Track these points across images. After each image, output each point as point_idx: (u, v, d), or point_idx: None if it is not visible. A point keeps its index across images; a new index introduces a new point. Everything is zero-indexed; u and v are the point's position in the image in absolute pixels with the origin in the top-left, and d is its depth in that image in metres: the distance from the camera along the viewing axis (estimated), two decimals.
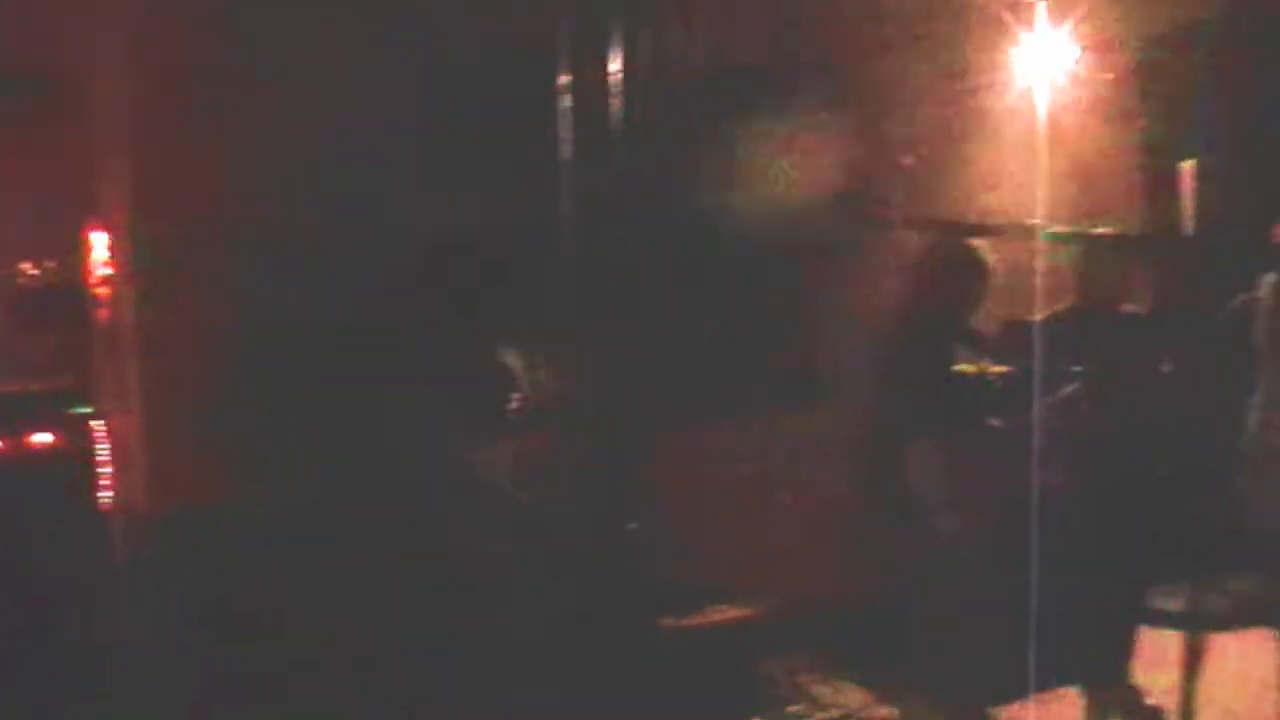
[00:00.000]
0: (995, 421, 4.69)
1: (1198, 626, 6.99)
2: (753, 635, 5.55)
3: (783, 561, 6.31)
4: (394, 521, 4.72)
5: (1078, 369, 4.91)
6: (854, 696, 5.86)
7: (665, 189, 5.91)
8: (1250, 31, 7.77)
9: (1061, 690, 5.79)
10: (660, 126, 5.76)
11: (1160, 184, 7.94)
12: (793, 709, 5.67)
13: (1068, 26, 7.40)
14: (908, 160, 6.97)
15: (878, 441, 4.55)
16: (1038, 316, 5.38)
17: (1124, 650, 5.30)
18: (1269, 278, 3.93)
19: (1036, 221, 4.11)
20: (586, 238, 4.84)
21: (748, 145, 6.44)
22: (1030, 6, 7.30)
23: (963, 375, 4.77)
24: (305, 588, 4.86)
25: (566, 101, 4.71)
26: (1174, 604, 7.03)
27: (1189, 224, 7.48)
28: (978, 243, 4.63)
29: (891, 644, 4.83)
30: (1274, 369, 3.94)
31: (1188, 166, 7.47)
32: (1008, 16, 7.27)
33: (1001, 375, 4.99)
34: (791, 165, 6.59)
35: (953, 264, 4.67)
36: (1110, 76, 7.96)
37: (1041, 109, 7.56)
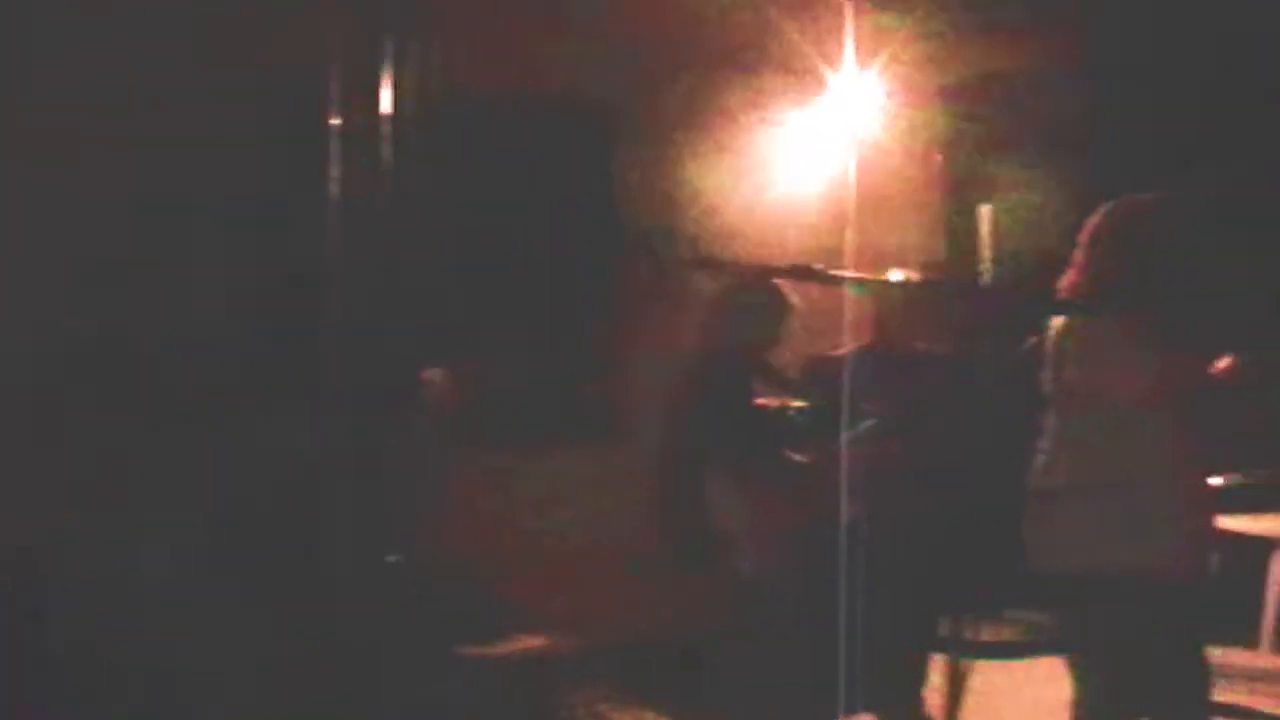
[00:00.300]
0: (795, 456, 4.80)
1: (990, 655, 7.26)
2: (552, 666, 5.59)
3: (582, 593, 6.38)
4: None
5: (874, 406, 5.05)
6: None
7: (444, 225, 5.99)
8: (1045, 82, 8.09)
9: (856, 716, 5.95)
10: (438, 163, 5.82)
11: (959, 227, 8.21)
12: None
13: (874, 69, 7.62)
14: (701, 198, 7.09)
15: (677, 476, 4.62)
16: (837, 353, 5.54)
17: (916, 678, 5.46)
18: (1055, 322, 4.10)
19: (822, 265, 4.22)
20: (365, 271, 4.86)
21: (542, 181, 6.51)
22: (838, 48, 7.49)
23: (762, 410, 4.87)
24: None
25: (337, 137, 4.73)
26: (965, 633, 7.28)
27: (986, 267, 7.76)
28: (778, 281, 4.72)
29: (692, 675, 4.91)
30: (1057, 412, 4.10)
31: (985, 211, 7.73)
32: (813, 56, 7.45)
33: (801, 411, 5.11)
34: (579, 203, 6.69)
35: (752, 301, 4.76)
36: (914, 120, 8.22)
37: (844, 150, 7.77)
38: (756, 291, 4.77)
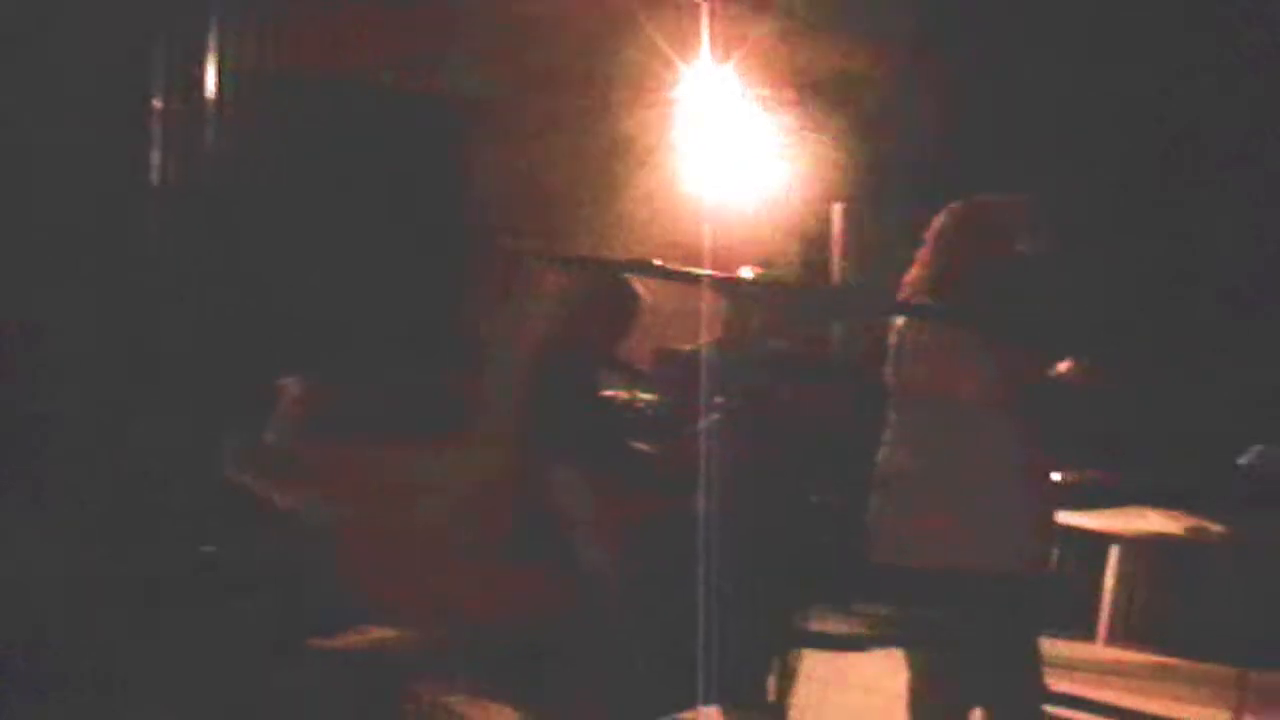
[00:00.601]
0: (642, 448, 4.81)
1: (834, 647, 7.35)
2: (401, 659, 5.55)
3: (432, 585, 6.32)
4: None
5: (722, 401, 5.08)
6: (504, 718, 5.91)
7: (282, 216, 5.92)
8: (897, 82, 8.20)
9: (704, 710, 5.99)
10: (272, 151, 5.75)
11: (810, 225, 8.31)
12: None
13: (730, 66, 7.68)
14: (545, 192, 7.08)
15: (523, 467, 4.60)
16: (687, 348, 5.56)
17: (763, 671, 5.49)
18: (898, 321, 4.16)
19: (662, 261, 4.22)
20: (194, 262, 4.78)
21: (387, 172, 6.45)
22: (694, 43, 7.53)
23: (610, 402, 4.88)
24: None
25: (159, 122, 4.64)
26: (811, 626, 7.38)
27: (836, 265, 7.86)
28: (627, 275, 4.72)
29: (541, 667, 4.89)
30: (900, 407, 4.16)
31: (838, 210, 7.84)
32: (668, 50, 7.48)
33: (649, 403, 5.13)
34: (428, 195, 6.65)
35: (601, 294, 4.76)
36: (769, 118, 8.29)
37: (699, 146, 7.82)
38: (605, 285, 4.76)
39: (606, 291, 4.72)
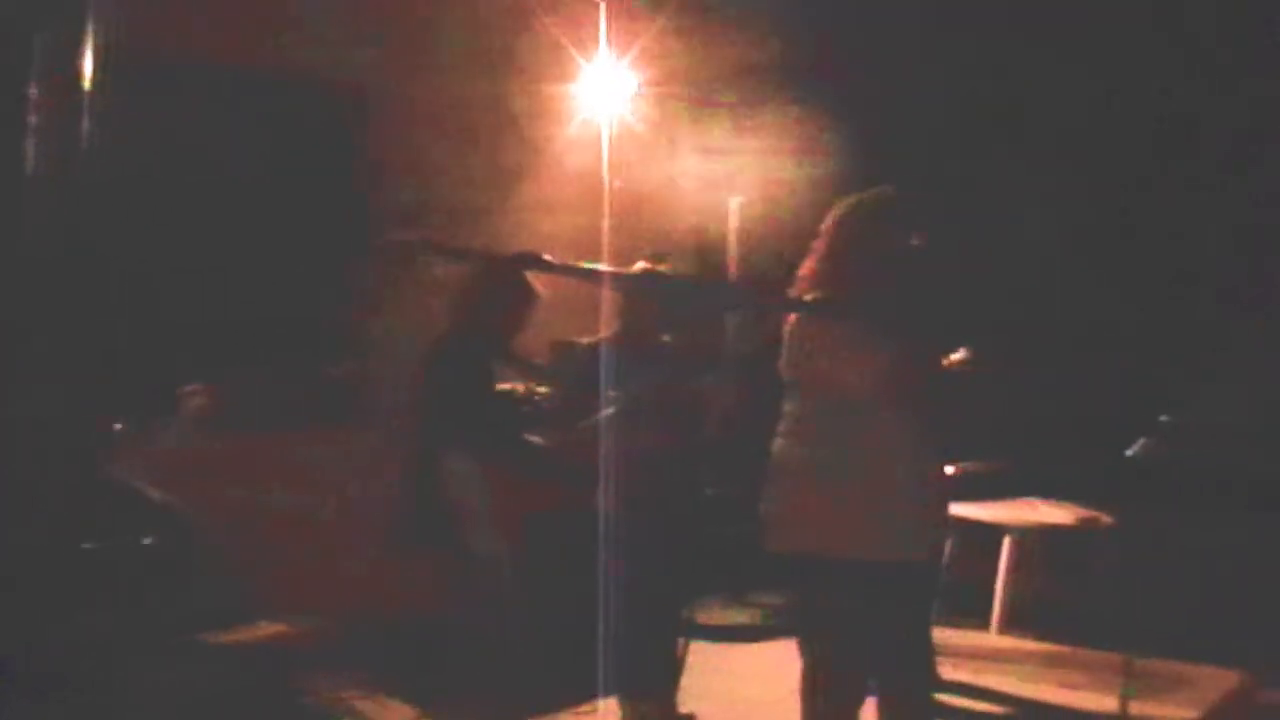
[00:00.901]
0: (537, 440, 4.81)
1: (730, 638, 7.41)
2: (298, 651, 5.50)
3: (328, 577, 6.29)
4: None
5: (617, 394, 5.10)
6: (398, 711, 5.89)
7: (170, 207, 5.85)
8: (795, 78, 8.26)
9: (598, 702, 6.00)
10: (153, 142, 5.66)
11: (707, 220, 8.34)
12: None
13: (628, 60, 7.68)
14: (445, 184, 7.03)
15: (418, 458, 4.58)
16: (583, 342, 5.57)
17: (658, 661, 5.52)
18: (792, 316, 4.18)
19: (550, 256, 4.21)
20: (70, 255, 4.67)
21: (278, 163, 6.37)
22: (592, 37, 7.53)
23: (506, 395, 4.87)
24: None
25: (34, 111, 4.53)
26: (708, 617, 7.43)
27: (733, 259, 7.90)
28: (518, 270, 4.71)
29: (436, 659, 4.88)
30: (793, 398, 4.19)
31: (733, 205, 7.89)
32: (566, 43, 7.47)
33: (545, 397, 5.13)
34: (319, 186, 6.58)
35: (497, 287, 4.75)
36: (667, 112, 8.31)
37: (596, 140, 7.82)
38: (502, 278, 4.75)
39: (503, 285, 4.71)
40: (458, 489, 4.44)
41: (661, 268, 5.44)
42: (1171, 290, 7.47)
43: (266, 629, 5.43)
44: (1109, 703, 4.91)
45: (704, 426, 5.44)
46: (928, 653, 4.29)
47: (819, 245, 4.20)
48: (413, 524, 4.57)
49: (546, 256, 4.16)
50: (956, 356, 4.29)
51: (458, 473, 4.44)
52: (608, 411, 5.05)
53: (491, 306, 4.70)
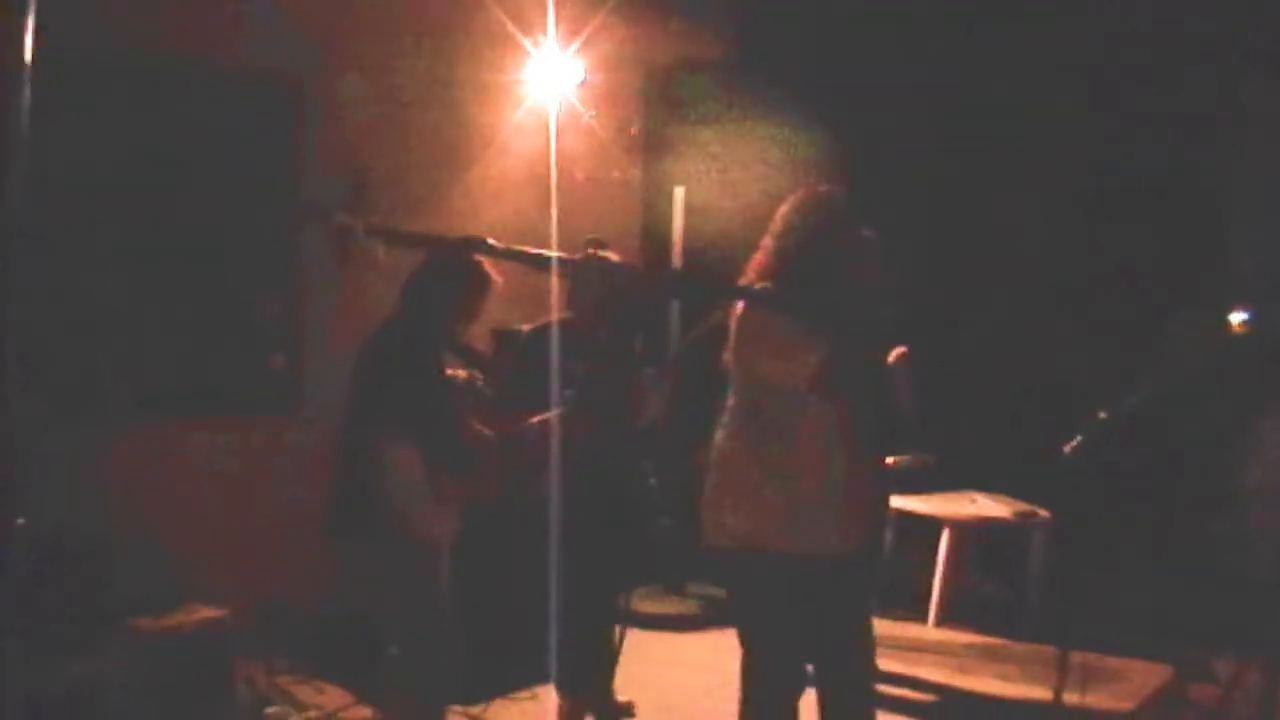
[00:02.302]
0: (480, 428, 4.78)
1: (669, 628, 7.43)
2: (231, 638, 5.46)
3: (262, 563, 6.26)
4: None
5: (559, 383, 5.09)
6: (335, 697, 5.87)
7: (107, 191, 5.78)
8: (738, 70, 8.27)
9: (536, 689, 6.01)
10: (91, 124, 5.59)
11: (655, 207, 8.33)
12: (272, 710, 5.61)
13: (574, 49, 7.66)
14: (388, 169, 6.99)
15: (357, 445, 4.55)
16: (527, 329, 5.55)
17: (596, 650, 5.51)
18: (739, 305, 4.17)
19: (495, 240, 4.17)
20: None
21: (217, 148, 6.31)
22: (540, 23, 7.50)
23: (449, 382, 4.84)
24: None
25: None
26: (647, 607, 7.45)
27: (677, 248, 7.90)
28: (471, 255, 4.67)
29: (372, 645, 4.85)
30: (735, 390, 4.19)
31: (679, 194, 7.88)
32: (514, 29, 7.44)
33: (488, 384, 5.10)
34: (258, 171, 6.52)
35: (444, 273, 4.70)
36: (614, 100, 8.30)
37: (543, 127, 7.80)
38: (449, 263, 4.71)
39: (451, 269, 4.67)
40: (398, 477, 4.40)
41: (606, 254, 5.43)
42: (1110, 287, 7.54)
43: (202, 614, 5.38)
44: (1043, 695, 4.94)
45: (645, 415, 5.43)
46: (868, 644, 4.30)
47: (767, 239, 4.20)
48: (349, 512, 4.53)
49: (492, 241, 4.13)
50: (895, 350, 4.30)
51: (399, 461, 4.40)
52: (559, 411, 5.05)
53: (438, 291, 4.66)
